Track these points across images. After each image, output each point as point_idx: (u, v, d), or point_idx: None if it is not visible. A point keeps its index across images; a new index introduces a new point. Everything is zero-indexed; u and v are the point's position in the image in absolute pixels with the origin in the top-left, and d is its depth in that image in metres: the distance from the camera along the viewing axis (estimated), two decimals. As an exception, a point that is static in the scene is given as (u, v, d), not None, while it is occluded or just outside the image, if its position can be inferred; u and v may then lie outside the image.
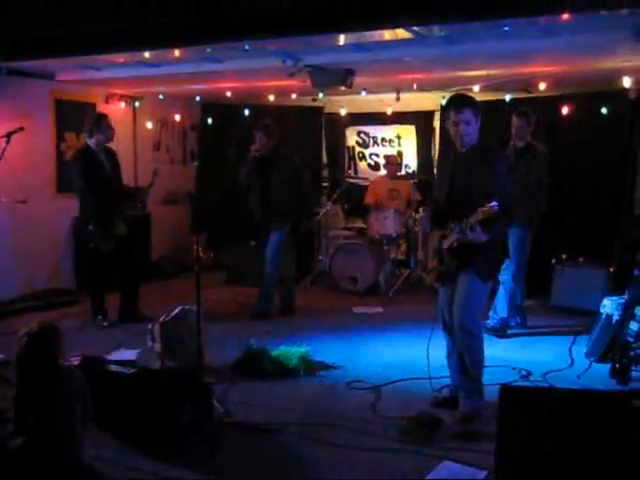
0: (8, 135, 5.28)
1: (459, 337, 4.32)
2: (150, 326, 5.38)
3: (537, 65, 6.45)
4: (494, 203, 3.83)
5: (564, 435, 2.76)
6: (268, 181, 6.86)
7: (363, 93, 8.15)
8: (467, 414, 4.31)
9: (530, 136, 6.27)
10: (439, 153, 8.81)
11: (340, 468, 3.80)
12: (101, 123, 6.60)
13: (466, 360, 4.33)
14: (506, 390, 2.92)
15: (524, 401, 2.85)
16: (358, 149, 9.60)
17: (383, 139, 9.44)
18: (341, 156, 9.65)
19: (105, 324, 6.69)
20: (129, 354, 5.69)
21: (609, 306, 5.53)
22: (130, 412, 4.04)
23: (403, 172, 9.09)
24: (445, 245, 4.29)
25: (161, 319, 5.28)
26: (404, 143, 9.30)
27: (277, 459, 3.96)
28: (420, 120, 9.07)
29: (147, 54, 6.14)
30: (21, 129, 5.41)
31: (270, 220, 6.94)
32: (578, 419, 2.79)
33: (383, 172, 8.97)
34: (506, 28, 5.06)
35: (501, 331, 6.32)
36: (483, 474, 3.65)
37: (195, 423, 4.10)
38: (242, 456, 3.96)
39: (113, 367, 4.24)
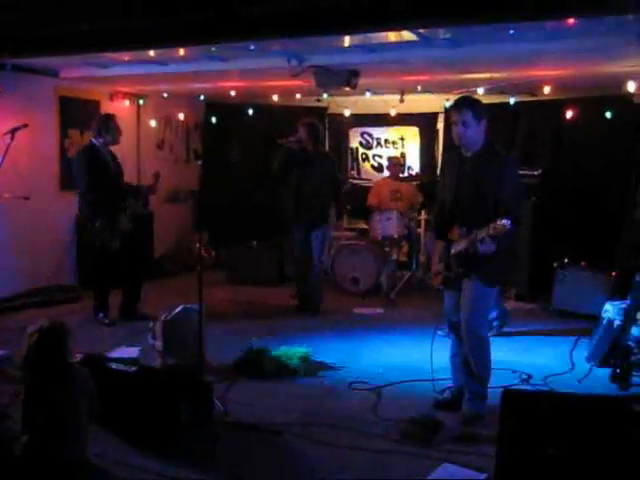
0: (12, 132, 5.28)
1: (467, 341, 4.33)
2: (151, 324, 5.40)
3: (542, 68, 6.44)
4: (507, 221, 3.82)
5: (565, 439, 2.76)
6: (308, 177, 6.97)
7: (367, 94, 8.15)
8: (469, 417, 4.31)
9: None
10: (442, 155, 8.80)
11: (340, 469, 3.80)
12: (109, 124, 6.62)
13: (473, 363, 4.34)
14: (508, 394, 2.92)
15: (526, 405, 2.85)
16: (361, 150, 9.61)
17: (386, 140, 9.45)
18: (344, 157, 9.66)
19: (106, 322, 6.70)
20: (130, 352, 5.67)
21: (611, 311, 5.53)
22: (131, 410, 4.04)
23: (406, 174, 9.09)
24: (453, 251, 4.29)
25: (162, 317, 5.30)
26: (407, 145, 9.30)
27: (277, 459, 3.96)
28: (424, 122, 9.08)
29: (152, 52, 6.15)
30: (25, 126, 5.41)
31: (308, 217, 7.03)
32: (579, 423, 2.79)
33: (386, 173, 8.97)
34: (511, 31, 5.07)
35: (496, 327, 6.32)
36: (483, 476, 3.65)
37: (195, 422, 4.11)
38: (242, 456, 3.96)
39: (114, 365, 4.24)
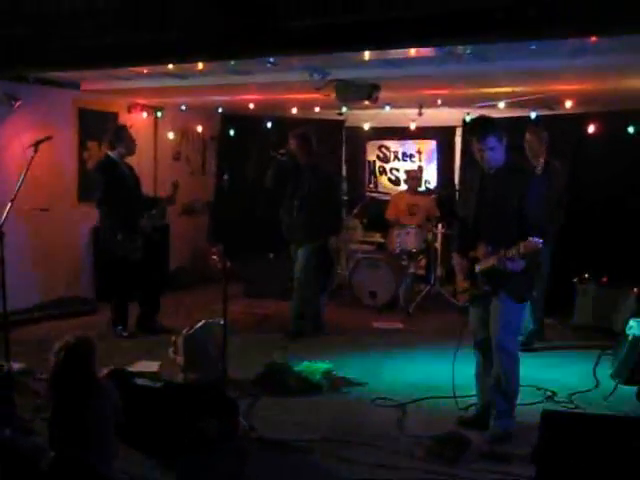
0: (36, 144, 5.27)
1: (497, 357, 4.30)
2: (173, 338, 5.37)
3: (564, 83, 6.42)
4: (538, 240, 3.82)
5: (605, 461, 2.72)
6: (297, 191, 6.70)
7: (387, 108, 8.13)
8: (498, 435, 4.26)
9: (545, 154, 6.23)
10: (460, 170, 8.77)
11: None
12: (120, 135, 6.63)
13: (502, 380, 4.30)
14: (547, 415, 2.88)
15: (565, 426, 2.81)
16: (379, 163, 9.59)
17: (404, 154, 9.43)
18: (361, 170, 9.64)
19: (125, 334, 6.68)
20: (150, 366, 5.65)
21: (636, 327, 5.49)
22: (156, 425, 4.01)
23: (423, 187, 9.06)
24: (478, 269, 4.25)
25: (184, 331, 5.27)
26: (425, 158, 9.28)
27: (303, 476, 3.94)
28: (441, 135, 9.05)
29: (171, 66, 6.15)
30: (49, 138, 5.38)
31: (298, 233, 6.74)
32: (619, 445, 2.75)
33: (404, 187, 8.94)
34: (533, 47, 5.05)
35: (529, 344, 6.29)
36: (513, 497, 3.61)
37: (222, 438, 4.08)
38: (269, 473, 3.93)
39: (140, 380, 4.21)
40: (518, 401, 4.50)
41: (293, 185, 6.73)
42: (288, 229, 6.85)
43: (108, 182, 6.50)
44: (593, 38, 4.61)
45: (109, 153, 6.67)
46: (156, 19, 4.85)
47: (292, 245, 6.90)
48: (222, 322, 4.86)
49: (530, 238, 3.84)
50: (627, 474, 2.78)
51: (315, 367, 5.35)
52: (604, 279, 7.15)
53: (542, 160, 6.20)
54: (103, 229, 6.79)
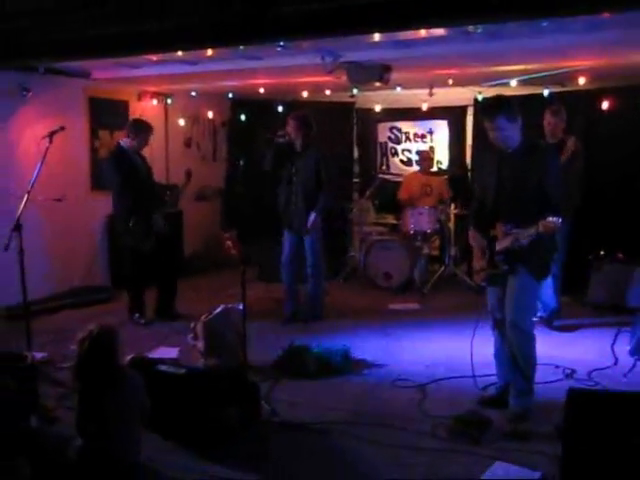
0: (51, 135, 5.29)
1: (511, 336, 4.29)
2: (192, 324, 5.40)
3: (577, 59, 6.36)
4: (557, 219, 3.80)
5: (631, 438, 2.72)
6: (295, 176, 6.57)
7: (398, 89, 8.09)
8: (518, 413, 4.28)
9: (562, 131, 6.20)
10: (472, 149, 8.73)
11: (390, 469, 3.79)
12: (138, 130, 6.65)
13: (518, 359, 4.31)
14: (573, 393, 2.89)
15: (591, 404, 2.82)
16: (390, 145, 9.55)
17: (415, 134, 9.39)
18: (373, 152, 9.61)
19: (142, 322, 6.72)
20: (169, 352, 5.70)
21: (653, 303, 5.48)
22: (181, 411, 4.04)
23: (435, 168, 9.04)
24: (498, 248, 4.25)
25: (203, 317, 5.30)
26: (436, 138, 9.25)
27: (327, 459, 3.96)
28: (452, 115, 9.00)
29: (180, 52, 6.13)
30: (62, 129, 5.39)
31: (298, 219, 6.60)
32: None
33: (416, 168, 8.92)
34: (544, 24, 5.00)
35: (549, 322, 6.31)
36: (538, 474, 3.62)
37: (244, 422, 4.11)
38: (292, 456, 3.96)
39: (163, 367, 4.24)
40: (538, 379, 4.51)
41: (289, 169, 6.60)
42: (285, 215, 6.70)
43: (120, 171, 6.52)
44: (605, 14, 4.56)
45: (121, 142, 6.69)
46: (157, 8, 4.82)
47: (285, 230, 6.76)
48: (241, 307, 4.89)
49: (550, 218, 3.83)
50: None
51: (334, 349, 5.36)
52: (619, 255, 7.13)
53: (559, 138, 6.16)
54: (116, 217, 6.83)
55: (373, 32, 5.22)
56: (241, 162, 5.43)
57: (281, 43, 5.63)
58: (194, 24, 5.17)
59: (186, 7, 5.02)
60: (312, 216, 6.48)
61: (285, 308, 6.87)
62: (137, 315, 6.75)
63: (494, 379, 4.74)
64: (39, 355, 5.32)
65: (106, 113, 8.12)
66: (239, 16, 5.00)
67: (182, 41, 5.49)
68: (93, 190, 8.01)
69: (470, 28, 5.18)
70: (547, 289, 6.19)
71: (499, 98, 4.40)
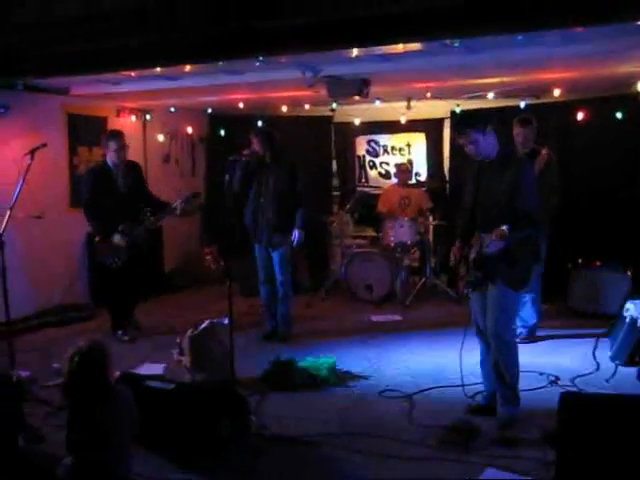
0: (32, 152, 5.28)
1: (494, 346, 4.37)
2: (178, 339, 5.39)
3: (552, 72, 6.47)
4: (506, 227, 3.98)
5: (626, 441, 2.77)
6: (264, 190, 6.51)
7: (377, 102, 8.16)
8: (505, 421, 4.34)
9: (533, 142, 6.27)
10: (450, 161, 8.82)
11: (381, 478, 3.81)
12: (108, 140, 6.58)
13: (502, 368, 4.37)
14: (566, 398, 2.93)
15: (585, 409, 2.86)
16: (368, 158, 9.60)
17: (393, 147, 9.45)
18: (351, 165, 9.66)
19: (126, 338, 6.67)
20: (156, 368, 5.68)
21: (632, 309, 5.57)
22: (170, 427, 4.03)
23: (414, 180, 9.11)
24: (471, 256, 4.33)
25: (189, 332, 5.29)
26: (414, 151, 9.32)
27: (318, 472, 3.97)
28: (430, 128, 9.08)
29: (159, 68, 6.14)
30: (44, 145, 5.39)
31: (267, 233, 6.52)
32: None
33: (394, 180, 8.98)
34: (520, 37, 5.10)
35: (531, 338, 6.33)
36: (528, 480, 3.67)
37: (234, 436, 4.11)
38: (282, 469, 3.97)
39: (152, 383, 4.23)
40: (523, 386, 4.58)
41: (257, 184, 6.55)
42: (254, 230, 6.61)
43: (93, 186, 6.49)
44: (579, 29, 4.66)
45: (107, 159, 6.65)
46: (138, 24, 4.85)
47: (256, 245, 6.69)
48: (226, 321, 4.89)
49: (502, 227, 3.98)
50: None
51: (320, 362, 5.39)
52: (597, 263, 7.23)
53: (530, 148, 6.21)
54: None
55: (353, 47, 5.28)
56: (227, 177, 5.42)
57: (260, 58, 5.68)
58: (174, 40, 5.21)
59: (167, 23, 5.06)
60: (296, 233, 6.48)
61: (265, 326, 6.85)
62: (120, 332, 6.70)
63: (481, 387, 4.79)
64: (24, 374, 5.26)
65: (85, 129, 8.06)
66: (220, 32, 5.04)
67: (163, 57, 5.53)
68: (72, 207, 7.94)
69: (448, 42, 5.27)
70: (527, 305, 6.27)
71: (469, 114, 4.53)
